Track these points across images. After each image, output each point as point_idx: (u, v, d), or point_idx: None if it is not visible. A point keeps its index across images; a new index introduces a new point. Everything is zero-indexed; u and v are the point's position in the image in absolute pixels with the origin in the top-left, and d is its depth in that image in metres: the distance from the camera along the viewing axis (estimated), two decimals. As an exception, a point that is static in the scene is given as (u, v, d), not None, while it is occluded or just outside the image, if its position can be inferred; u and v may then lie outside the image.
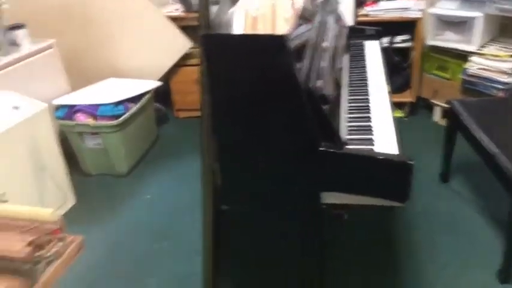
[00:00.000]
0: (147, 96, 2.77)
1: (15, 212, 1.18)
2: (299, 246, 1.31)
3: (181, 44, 3.04)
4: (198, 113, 3.11)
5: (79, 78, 2.81)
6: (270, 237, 1.33)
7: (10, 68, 2.28)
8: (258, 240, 1.37)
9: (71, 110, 2.54)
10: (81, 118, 2.51)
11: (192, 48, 3.07)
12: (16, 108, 2.05)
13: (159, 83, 2.91)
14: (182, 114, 3.29)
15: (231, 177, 1.20)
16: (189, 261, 1.93)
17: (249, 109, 1.11)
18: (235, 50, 1.03)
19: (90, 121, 2.49)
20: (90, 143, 2.54)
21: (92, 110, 2.50)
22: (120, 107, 2.55)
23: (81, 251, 1.21)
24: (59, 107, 2.55)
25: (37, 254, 1.06)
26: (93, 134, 2.50)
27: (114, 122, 2.46)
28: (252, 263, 1.47)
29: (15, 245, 1.06)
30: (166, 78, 3.13)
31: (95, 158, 2.60)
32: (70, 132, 2.54)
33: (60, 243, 1.15)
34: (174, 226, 2.18)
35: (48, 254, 1.10)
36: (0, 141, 1.89)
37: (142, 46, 3.01)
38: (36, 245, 1.08)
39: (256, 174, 1.19)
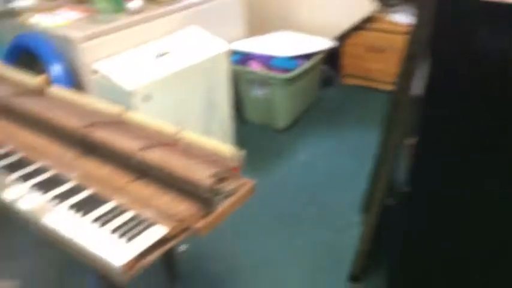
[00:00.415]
0: (318, 55, 2.75)
1: (200, 141, 1.26)
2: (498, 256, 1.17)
3: (365, 5, 2.91)
4: (367, 82, 3.07)
5: (255, 25, 2.89)
6: (458, 238, 1.20)
7: (198, 7, 2.42)
8: (436, 235, 1.26)
9: (245, 57, 2.64)
10: (254, 66, 2.59)
11: (376, 12, 2.92)
12: (201, 45, 2.18)
13: (333, 43, 2.86)
14: (349, 81, 3.20)
15: (428, 158, 1.11)
16: (338, 232, 1.91)
17: (475, 85, 0.99)
18: (478, 16, 0.91)
19: (262, 70, 2.56)
20: (258, 92, 2.62)
21: (266, 60, 2.57)
22: (293, 62, 2.57)
23: (251, 195, 1.25)
24: (235, 52, 2.67)
25: (219, 185, 1.13)
26: (262, 83, 2.58)
27: (286, 76, 2.49)
28: (419, 260, 1.36)
29: (202, 173, 1.13)
30: (340, 39, 3.05)
31: (259, 107, 2.69)
32: (240, 78, 2.65)
33: (236, 182, 1.20)
34: (325, 192, 2.16)
35: (227, 189, 1.15)
36: (184, 75, 2.04)
37: (324, 2, 2.96)
38: (219, 178, 1.14)
39: (464, 159, 1.07)
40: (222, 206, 1.13)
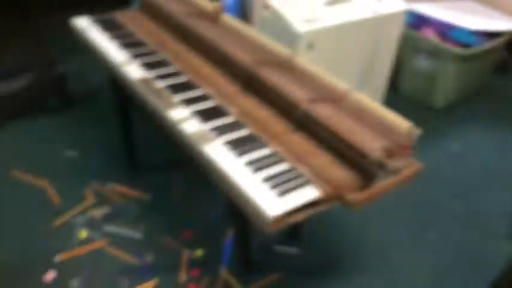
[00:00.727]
0: (503, 36, 2.40)
1: (372, 106, 1.15)
2: None
3: None
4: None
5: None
6: None
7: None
8: None
9: (419, 20, 2.40)
10: (428, 33, 2.35)
11: None
12: (380, 0, 2.01)
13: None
14: (530, 72, 2.79)
15: None
16: (480, 239, 1.71)
17: None
18: None
19: (435, 39, 2.31)
20: (423, 62, 2.39)
21: (443, 29, 2.31)
22: (473, 37, 2.27)
23: (413, 179, 1.12)
24: (407, 13, 2.43)
25: (387, 160, 1.02)
26: (431, 54, 2.33)
27: (462, 51, 2.22)
28: None
29: (371, 143, 1.03)
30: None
31: (418, 79, 2.46)
32: (406, 43, 2.43)
33: (403, 161, 1.08)
34: (476, 192, 1.94)
35: (392, 166, 1.04)
36: (352, 28, 1.90)
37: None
38: (388, 152, 1.04)
39: None
40: (383, 183, 1.03)
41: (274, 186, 0.98)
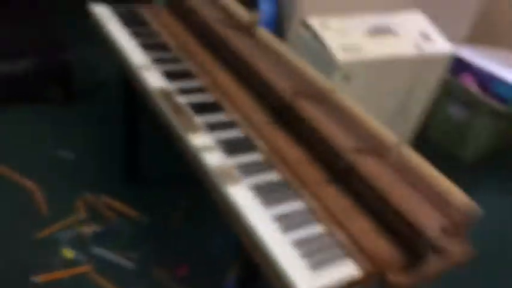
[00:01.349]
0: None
1: (423, 168, 0.99)
2: None
3: None
4: None
5: (480, 29, 2.45)
6: None
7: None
8: None
9: (459, 65, 2.25)
10: (467, 81, 2.19)
11: None
12: (421, 36, 1.86)
13: None
14: None
15: None
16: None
17: None
18: None
19: (474, 89, 2.16)
20: (456, 111, 2.24)
21: (484, 79, 2.16)
22: (516, 93, 2.12)
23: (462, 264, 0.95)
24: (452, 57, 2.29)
25: (443, 242, 0.85)
26: (467, 104, 2.18)
27: (502, 109, 2.06)
28: None
29: (428, 219, 0.87)
30: None
31: (448, 129, 2.31)
32: (442, 88, 2.27)
33: (457, 244, 0.92)
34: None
35: (447, 248, 0.87)
36: (392, 64, 1.76)
37: None
38: (445, 231, 0.87)
39: None
40: (433, 267, 0.86)
41: (307, 255, 0.81)
